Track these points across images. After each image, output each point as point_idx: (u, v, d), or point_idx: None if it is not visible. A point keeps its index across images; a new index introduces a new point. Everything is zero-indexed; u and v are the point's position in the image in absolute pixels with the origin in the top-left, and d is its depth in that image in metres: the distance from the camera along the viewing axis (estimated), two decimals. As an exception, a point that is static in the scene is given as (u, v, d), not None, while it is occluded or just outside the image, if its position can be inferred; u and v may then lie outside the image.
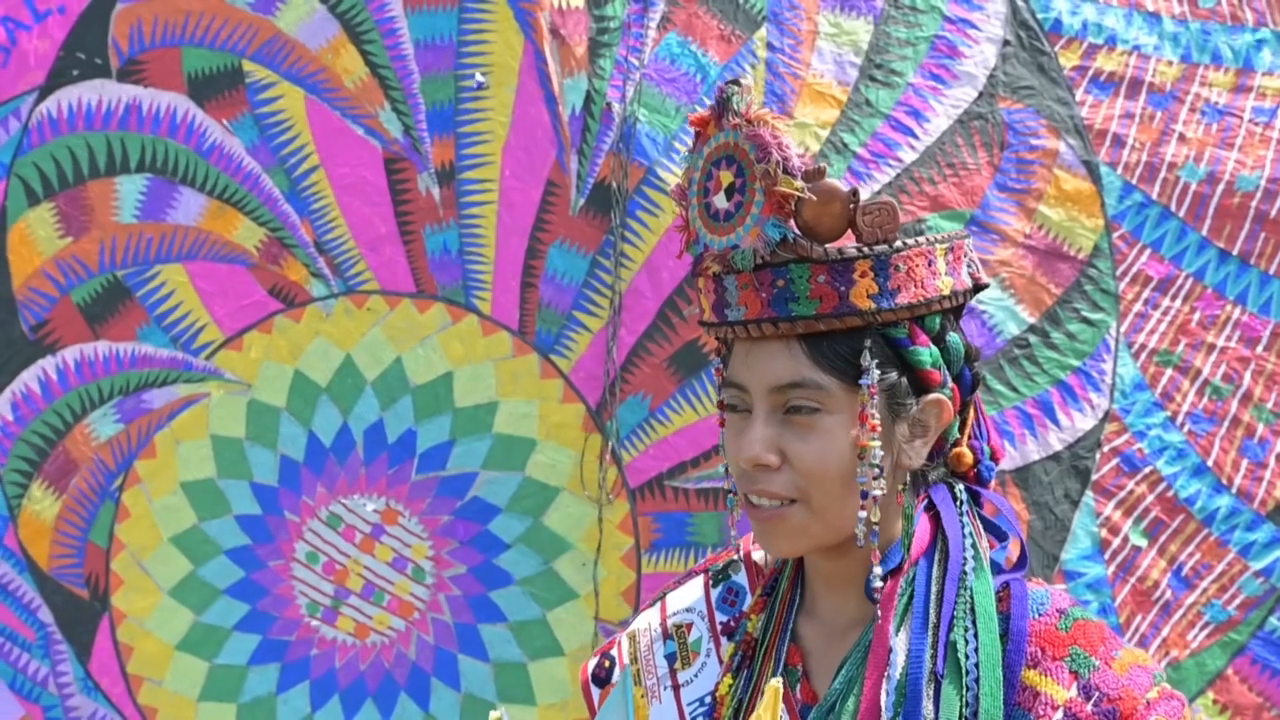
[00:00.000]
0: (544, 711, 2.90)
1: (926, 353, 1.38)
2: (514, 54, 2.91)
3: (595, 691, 1.55)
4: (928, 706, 1.32)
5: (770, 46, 2.88)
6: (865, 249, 1.33)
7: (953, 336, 1.41)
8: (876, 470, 1.34)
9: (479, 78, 2.92)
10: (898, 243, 1.34)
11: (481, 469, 2.90)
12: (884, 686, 1.34)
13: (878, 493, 1.34)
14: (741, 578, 1.52)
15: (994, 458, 1.47)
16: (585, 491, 2.86)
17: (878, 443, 1.34)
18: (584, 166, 2.88)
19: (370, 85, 2.96)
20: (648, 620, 1.54)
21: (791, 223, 1.32)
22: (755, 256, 1.33)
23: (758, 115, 1.33)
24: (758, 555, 1.54)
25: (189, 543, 3.01)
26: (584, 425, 2.87)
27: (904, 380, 1.37)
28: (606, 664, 1.55)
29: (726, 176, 1.35)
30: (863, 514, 1.35)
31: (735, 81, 1.35)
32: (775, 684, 1.35)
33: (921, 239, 1.36)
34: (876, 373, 1.34)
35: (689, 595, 1.53)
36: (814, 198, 1.31)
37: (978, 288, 1.42)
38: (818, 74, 2.87)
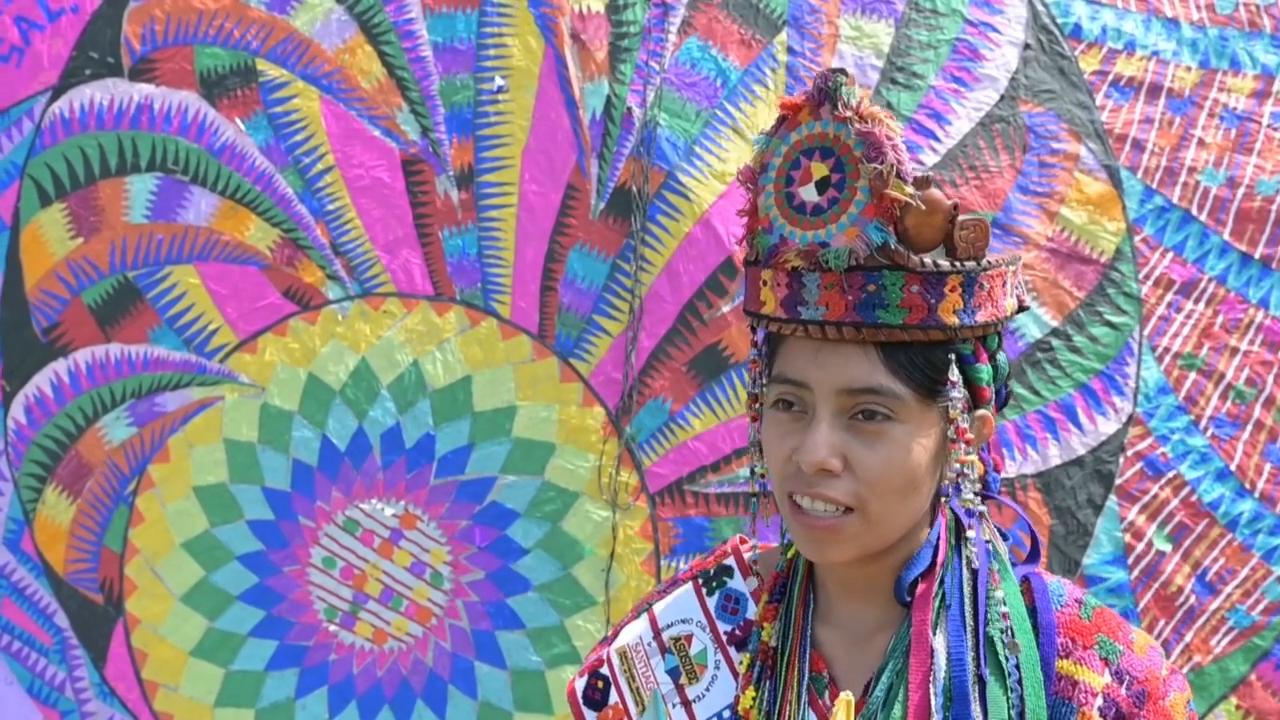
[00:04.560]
0: None
1: (986, 370, 1.38)
2: (534, 58, 2.89)
3: (590, 715, 1.51)
4: (975, 708, 1.33)
5: (791, 50, 2.88)
6: (958, 264, 1.32)
7: (1002, 355, 1.42)
8: (976, 485, 1.34)
9: (499, 81, 2.90)
10: (984, 261, 1.34)
11: (500, 473, 2.88)
12: (930, 689, 1.34)
13: (982, 509, 1.35)
14: (738, 583, 1.50)
15: (996, 468, 1.49)
16: (604, 496, 2.84)
17: (974, 456, 1.34)
18: (604, 171, 2.86)
19: (387, 86, 2.94)
20: (637, 634, 1.50)
21: (892, 228, 1.30)
22: (851, 257, 1.30)
23: (871, 112, 1.29)
24: (749, 557, 1.52)
25: (201, 548, 2.99)
26: (604, 429, 2.86)
27: (966, 395, 1.37)
28: (600, 684, 1.51)
29: (820, 169, 1.31)
30: (971, 534, 1.36)
31: (841, 71, 1.31)
32: (846, 696, 1.34)
33: (998, 259, 1.36)
34: (961, 388, 1.34)
35: (681, 605, 1.50)
36: (921, 206, 1.29)
37: (1020, 308, 1.44)
38: (839, 77, 2.87)
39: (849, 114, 1.29)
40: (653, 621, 1.50)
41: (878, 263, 1.30)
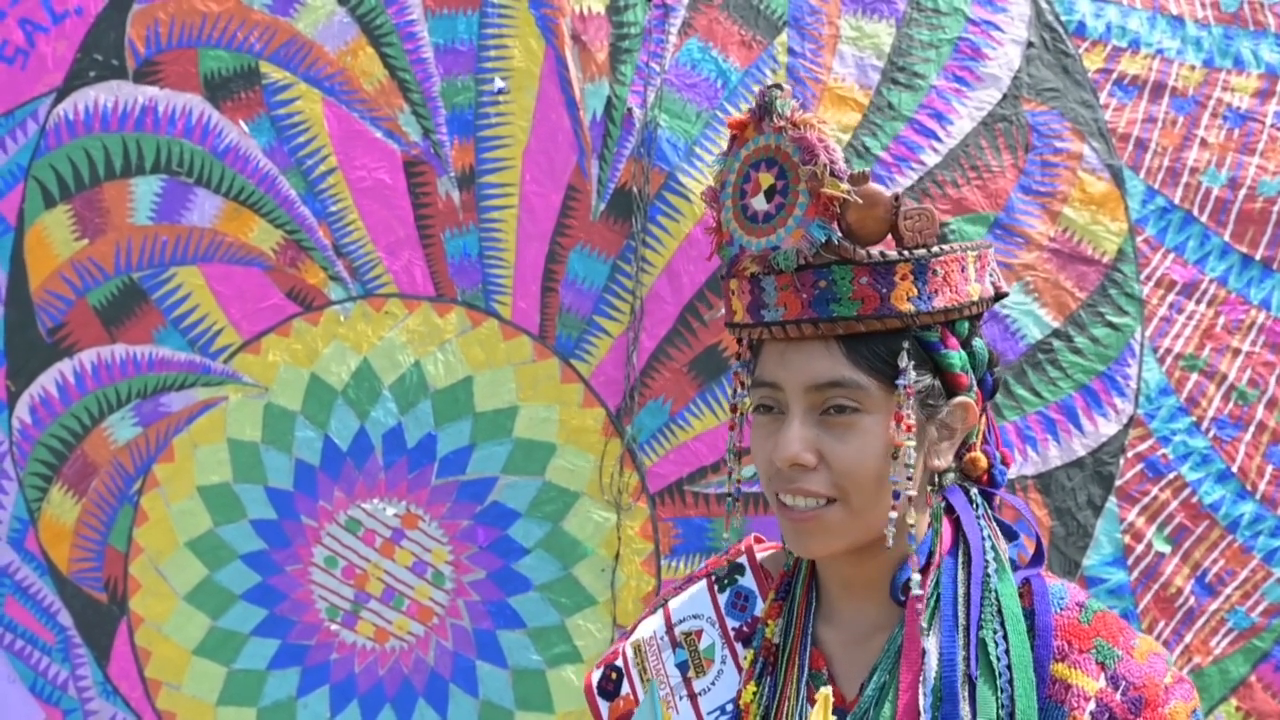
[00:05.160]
0: (562, 719, 2.89)
1: (957, 356, 1.40)
2: (535, 59, 2.90)
3: (603, 705, 1.55)
4: (964, 708, 1.34)
5: (791, 51, 2.87)
6: (906, 253, 1.35)
7: (978, 341, 1.44)
8: (910, 470, 1.36)
9: (499, 82, 2.91)
10: (935, 248, 1.36)
11: (501, 474, 2.89)
12: (920, 689, 1.34)
13: (911, 493, 1.36)
14: (749, 582, 1.52)
15: (1004, 462, 1.50)
16: (605, 496, 2.85)
17: (913, 442, 1.36)
18: (605, 172, 2.86)
19: (389, 88, 2.95)
20: (651, 629, 1.54)
21: (835, 225, 1.34)
22: (798, 257, 1.34)
23: (803, 119, 1.35)
24: (762, 557, 1.54)
25: (204, 547, 3.00)
26: (604, 430, 2.86)
27: (937, 382, 1.40)
28: (614, 675, 1.55)
29: (766, 179, 1.36)
30: (894, 514, 1.36)
31: (777, 86, 1.37)
32: (826, 691, 1.36)
33: (955, 245, 1.39)
34: (913, 374, 1.36)
35: (694, 602, 1.53)
36: (859, 200, 1.33)
37: (998, 296, 1.45)
38: (839, 78, 2.86)
39: (783, 123, 1.35)
40: (667, 617, 1.53)
41: (826, 259, 1.34)
